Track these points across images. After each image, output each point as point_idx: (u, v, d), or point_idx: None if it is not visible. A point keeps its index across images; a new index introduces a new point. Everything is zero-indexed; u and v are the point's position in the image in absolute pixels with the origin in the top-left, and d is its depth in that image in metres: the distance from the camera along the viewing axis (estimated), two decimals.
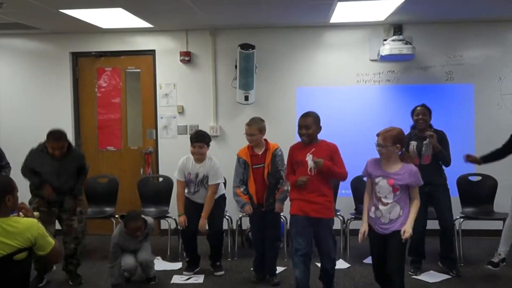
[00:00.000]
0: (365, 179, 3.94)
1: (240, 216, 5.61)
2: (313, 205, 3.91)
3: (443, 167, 4.76)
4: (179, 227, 4.98)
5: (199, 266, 5.02)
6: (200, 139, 4.79)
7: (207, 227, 4.81)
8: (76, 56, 6.44)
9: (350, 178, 5.58)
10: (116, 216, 4.91)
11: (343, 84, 5.31)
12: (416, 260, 4.86)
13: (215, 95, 6.21)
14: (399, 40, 5.61)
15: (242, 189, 4.65)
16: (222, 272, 4.96)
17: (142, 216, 4.66)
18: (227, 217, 5.51)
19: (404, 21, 5.93)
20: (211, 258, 5.02)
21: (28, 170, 4.48)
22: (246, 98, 5.88)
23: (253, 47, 5.96)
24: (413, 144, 4.71)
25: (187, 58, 6.19)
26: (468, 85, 5.27)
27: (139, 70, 6.35)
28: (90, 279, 4.79)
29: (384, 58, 5.86)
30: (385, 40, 5.86)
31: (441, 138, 4.66)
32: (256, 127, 4.62)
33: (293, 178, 4.02)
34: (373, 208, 3.71)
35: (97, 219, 5.59)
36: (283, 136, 5.43)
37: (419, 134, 4.74)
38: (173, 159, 5.79)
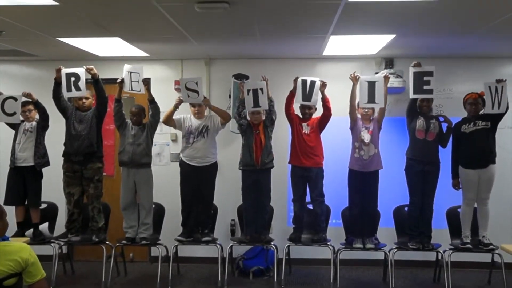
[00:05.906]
0: None
1: (231, 244, 5.62)
2: None
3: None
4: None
5: (193, 237, 5.46)
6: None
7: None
8: None
9: (341, 208, 5.67)
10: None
11: (336, 115, 5.40)
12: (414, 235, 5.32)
13: None
14: (390, 74, 5.73)
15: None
16: (209, 238, 5.47)
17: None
18: (217, 245, 5.52)
19: (395, 55, 6.08)
20: (201, 225, 5.52)
21: None
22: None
23: (247, 77, 6.06)
24: (422, 119, 5.27)
25: None
26: (457, 119, 5.37)
27: (134, 97, 6.41)
28: None
29: None
30: (376, 73, 5.97)
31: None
32: (263, 109, 5.46)
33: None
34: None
35: (88, 245, 5.58)
36: (277, 162, 5.53)
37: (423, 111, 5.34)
38: (166, 186, 5.84)
